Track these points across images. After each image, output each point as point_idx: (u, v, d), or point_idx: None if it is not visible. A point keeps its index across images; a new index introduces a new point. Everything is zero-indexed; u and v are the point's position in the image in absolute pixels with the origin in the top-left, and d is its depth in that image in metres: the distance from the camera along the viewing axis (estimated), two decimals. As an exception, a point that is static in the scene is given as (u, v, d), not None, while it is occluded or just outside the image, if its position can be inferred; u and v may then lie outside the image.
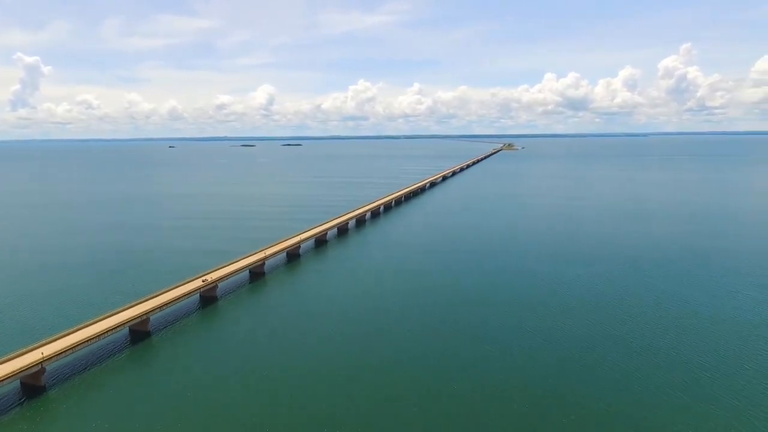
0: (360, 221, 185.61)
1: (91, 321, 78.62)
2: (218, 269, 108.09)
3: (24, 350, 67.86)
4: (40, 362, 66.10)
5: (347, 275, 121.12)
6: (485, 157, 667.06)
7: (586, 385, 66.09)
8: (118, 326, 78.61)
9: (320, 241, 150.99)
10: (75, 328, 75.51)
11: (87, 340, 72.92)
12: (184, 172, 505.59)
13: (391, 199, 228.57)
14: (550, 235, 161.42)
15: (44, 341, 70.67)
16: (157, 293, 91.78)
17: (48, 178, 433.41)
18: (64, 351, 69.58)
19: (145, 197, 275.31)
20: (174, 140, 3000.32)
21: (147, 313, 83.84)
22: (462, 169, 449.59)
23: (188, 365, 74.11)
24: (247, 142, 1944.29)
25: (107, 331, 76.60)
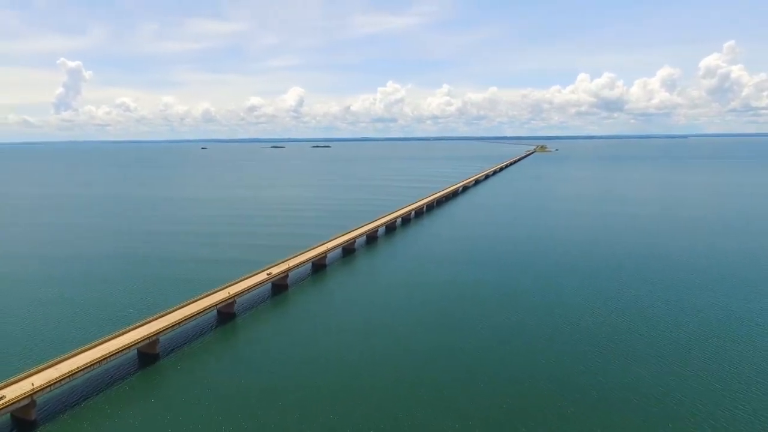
0: (390, 228, 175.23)
1: (92, 344, 70.71)
2: (238, 282, 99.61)
3: (12, 380, 60.31)
4: (30, 394, 58.29)
5: (376, 288, 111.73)
6: (519, 160, 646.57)
7: (631, 410, 60.73)
8: (124, 348, 70.59)
9: (348, 251, 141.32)
10: (72, 353, 67.64)
11: (86, 366, 64.94)
12: (211, 173, 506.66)
13: (423, 204, 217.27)
14: (589, 245, 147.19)
15: (35, 369, 62.96)
16: (170, 310, 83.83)
17: (73, 179, 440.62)
18: (59, 380, 61.72)
19: (167, 200, 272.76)
20: (207, 141, 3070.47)
21: (157, 333, 75.65)
22: (495, 172, 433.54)
23: (201, 391, 66.26)
24: (277, 144, 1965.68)
25: (111, 355, 68.55)
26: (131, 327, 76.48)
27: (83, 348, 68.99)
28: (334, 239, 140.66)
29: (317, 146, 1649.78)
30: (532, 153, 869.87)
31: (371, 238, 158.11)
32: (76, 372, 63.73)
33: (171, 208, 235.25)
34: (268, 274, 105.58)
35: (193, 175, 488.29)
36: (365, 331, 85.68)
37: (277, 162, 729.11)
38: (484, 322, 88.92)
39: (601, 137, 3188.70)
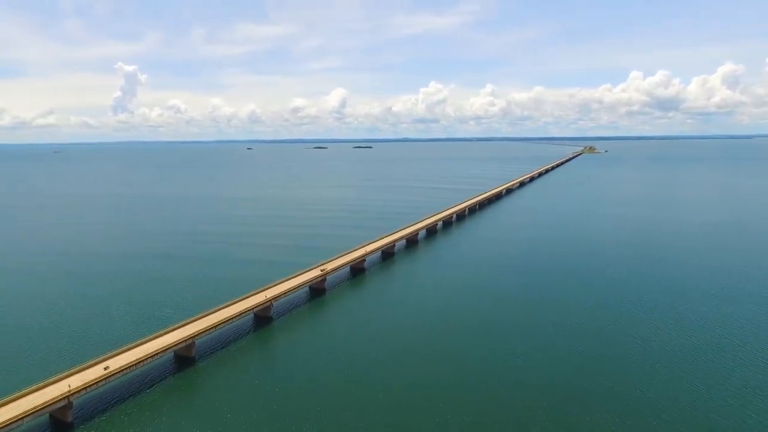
0: (431, 231, 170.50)
1: (130, 346, 70.67)
2: (275, 285, 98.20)
3: (50, 381, 60.50)
4: (67, 396, 58.22)
5: (415, 293, 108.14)
6: (566, 161, 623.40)
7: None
8: (160, 351, 70.05)
9: (387, 254, 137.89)
10: (109, 355, 67.65)
11: (123, 368, 64.69)
12: (254, 174, 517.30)
13: (465, 207, 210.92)
14: (637, 254, 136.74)
15: (73, 370, 63.15)
16: (207, 313, 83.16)
17: (124, 179, 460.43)
18: (96, 381, 61.55)
19: (209, 199, 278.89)
20: (252, 142, 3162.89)
21: (193, 336, 74.86)
22: (540, 174, 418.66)
23: (237, 396, 65.17)
24: (320, 144, 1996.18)
25: (147, 357, 68.12)
26: (168, 329, 76.10)
27: (120, 350, 69.08)
28: (374, 242, 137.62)
29: (359, 147, 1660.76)
30: (580, 154, 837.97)
31: (411, 241, 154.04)
32: (113, 374, 63.54)
33: (213, 208, 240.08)
34: (322, 270, 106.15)
35: (236, 175, 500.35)
36: (403, 337, 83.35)
37: (319, 162, 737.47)
38: (524, 329, 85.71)
39: (654, 137, 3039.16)
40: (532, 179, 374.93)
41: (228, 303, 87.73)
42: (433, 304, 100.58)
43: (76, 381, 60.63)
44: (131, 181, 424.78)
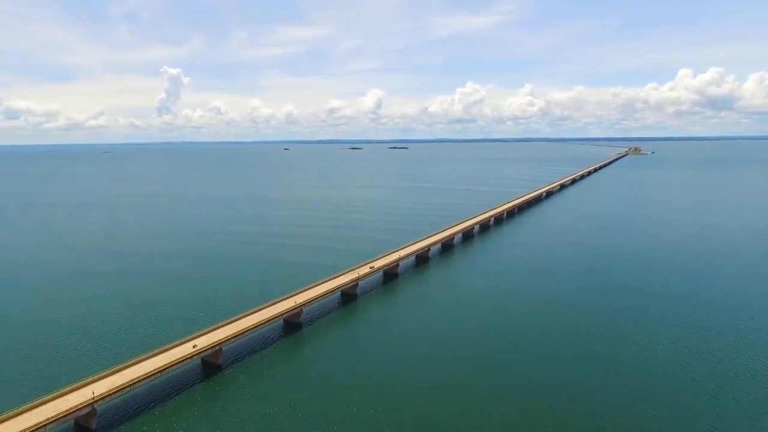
0: (467, 236, 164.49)
1: (155, 351, 69.23)
2: (305, 290, 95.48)
3: (73, 387, 59.46)
4: (91, 402, 56.92)
5: (451, 301, 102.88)
6: (609, 163, 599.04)
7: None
8: (187, 357, 68.25)
9: (422, 259, 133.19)
10: (135, 360, 66.41)
11: (149, 375, 63.19)
12: (288, 173, 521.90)
13: (503, 210, 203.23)
14: (686, 264, 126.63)
15: (97, 376, 62.08)
16: (235, 318, 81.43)
17: (161, 178, 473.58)
18: (121, 388, 60.19)
19: (243, 199, 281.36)
20: (289, 143, 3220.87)
21: (220, 342, 72.77)
22: (582, 176, 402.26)
23: (264, 404, 63.13)
24: (355, 145, 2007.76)
25: (174, 364, 66.46)
26: (195, 335, 74.36)
27: (146, 355, 67.86)
28: (408, 246, 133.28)
29: (394, 147, 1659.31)
30: (624, 155, 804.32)
31: (447, 246, 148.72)
32: (138, 380, 62.11)
33: (246, 208, 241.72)
34: (371, 267, 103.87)
35: (271, 174, 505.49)
36: (437, 348, 79.92)
37: (354, 163, 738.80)
38: (563, 338, 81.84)
39: (705, 138, 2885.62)
40: (573, 181, 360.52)
41: (257, 308, 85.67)
42: (468, 312, 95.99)
43: (101, 387, 59.32)
44: (171, 180, 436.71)
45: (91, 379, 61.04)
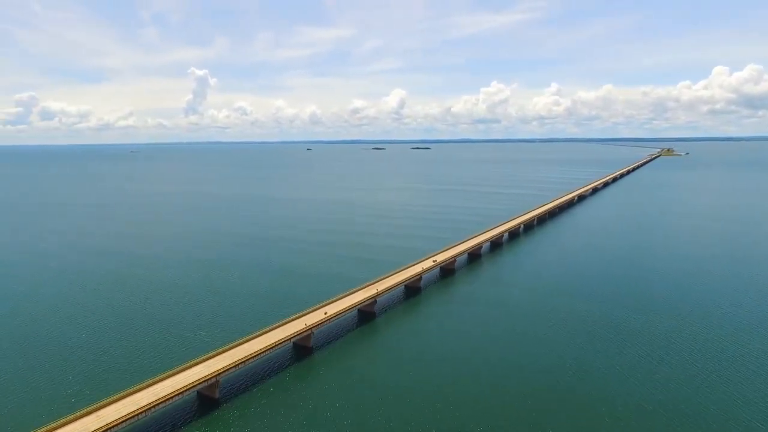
0: (496, 244, 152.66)
1: (257, 333, 75.32)
2: (319, 308, 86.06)
3: (200, 359, 66.59)
4: (216, 375, 62.43)
5: (478, 319, 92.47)
6: (643, 164, 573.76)
7: None
8: (285, 340, 59.39)
9: (447, 271, 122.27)
10: (244, 339, 72.97)
11: (256, 354, 69.45)
12: (309, 175, 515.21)
13: (533, 216, 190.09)
14: (738, 277, 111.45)
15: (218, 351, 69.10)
16: (319, 306, 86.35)
17: (185, 178, 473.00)
18: (237, 364, 66.41)
19: (263, 200, 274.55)
20: (312, 143, 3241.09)
21: (311, 327, 63.66)
22: (615, 179, 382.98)
23: (349, 382, 61.52)
24: (378, 145, 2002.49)
25: (273, 345, 73.81)
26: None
27: (252, 335, 73.85)
28: (431, 257, 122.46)
29: (417, 148, 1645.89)
30: (657, 157, 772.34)
31: (474, 255, 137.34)
32: (249, 358, 67.92)
33: (263, 210, 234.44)
34: (356, 300, 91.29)
35: (294, 175, 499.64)
36: (463, 370, 72.50)
37: (376, 163, 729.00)
38: (598, 357, 70.03)
39: (741, 138, 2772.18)
40: (605, 184, 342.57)
41: (337, 297, 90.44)
42: (497, 330, 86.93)
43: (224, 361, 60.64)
44: (193, 179, 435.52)
45: (215, 352, 68.33)
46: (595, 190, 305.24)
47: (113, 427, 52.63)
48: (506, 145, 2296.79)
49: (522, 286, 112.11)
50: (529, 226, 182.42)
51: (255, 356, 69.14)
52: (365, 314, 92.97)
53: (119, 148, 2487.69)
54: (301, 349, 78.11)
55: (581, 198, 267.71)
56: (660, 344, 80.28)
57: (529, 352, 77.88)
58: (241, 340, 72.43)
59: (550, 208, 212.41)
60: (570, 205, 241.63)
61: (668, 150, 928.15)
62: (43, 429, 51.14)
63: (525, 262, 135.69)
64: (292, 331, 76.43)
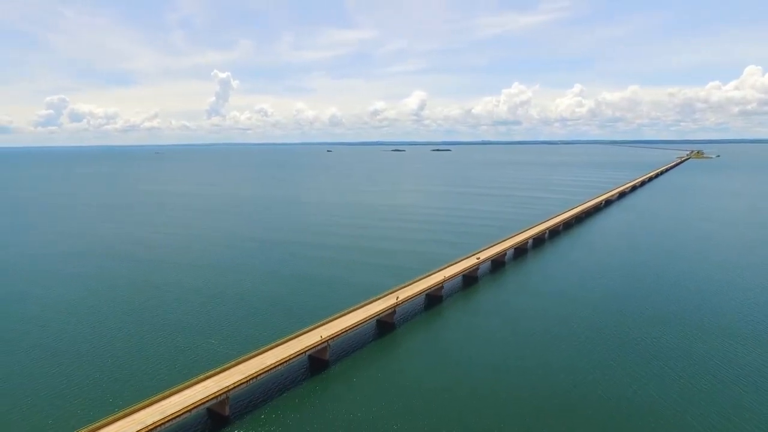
0: (520, 251, 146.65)
1: (270, 346, 72.15)
2: (335, 319, 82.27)
3: (209, 374, 63.53)
4: (225, 391, 59.49)
5: (501, 330, 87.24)
6: (672, 167, 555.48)
7: None
8: (300, 353, 56.18)
9: (470, 279, 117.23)
10: (255, 353, 69.29)
11: (269, 368, 65.94)
12: (329, 176, 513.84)
13: (558, 222, 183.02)
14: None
15: (227, 365, 66.11)
16: (336, 316, 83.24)
17: (201, 179, 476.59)
18: (247, 379, 63.04)
19: (281, 202, 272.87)
20: (333, 144, 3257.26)
21: (327, 339, 60.34)
22: (644, 182, 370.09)
23: (367, 396, 58.02)
24: (398, 147, 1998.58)
25: (288, 359, 70.60)
26: (302, 331, 76.24)
27: (264, 348, 70.48)
28: (453, 264, 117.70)
29: (437, 149, 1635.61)
30: (687, 159, 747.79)
31: (497, 263, 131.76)
32: (261, 372, 64.42)
33: (280, 213, 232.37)
34: (374, 310, 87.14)
35: (313, 176, 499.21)
36: (488, 384, 67.65)
37: (395, 165, 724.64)
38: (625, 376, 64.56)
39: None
40: (634, 188, 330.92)
41: (354, 307, 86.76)
42: (523, 343, 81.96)
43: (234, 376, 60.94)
44: (212, 181, 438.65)
45: (223, 367, 65.02)
46: (622, 195, 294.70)
47: (259, 374, 59.56)
48: (527, 147, 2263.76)
49: (548, 296, 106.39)
50: (555, 232, 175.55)
51: (268, 370, 65.60)
52: (384, 325, 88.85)
53: (144, 149, 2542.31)
54: (316, 362, 74.38)
55: (608, 202, 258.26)
56: (700, 364, 74.03)
57: (559, 368, 72.72)
58: (253, 353, 68.96)
59: (577, 213, 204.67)
60: (597, 210, 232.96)
61: (698, 152, 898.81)
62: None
63: (551, 271, 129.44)
64: (307, 344, 72.69)
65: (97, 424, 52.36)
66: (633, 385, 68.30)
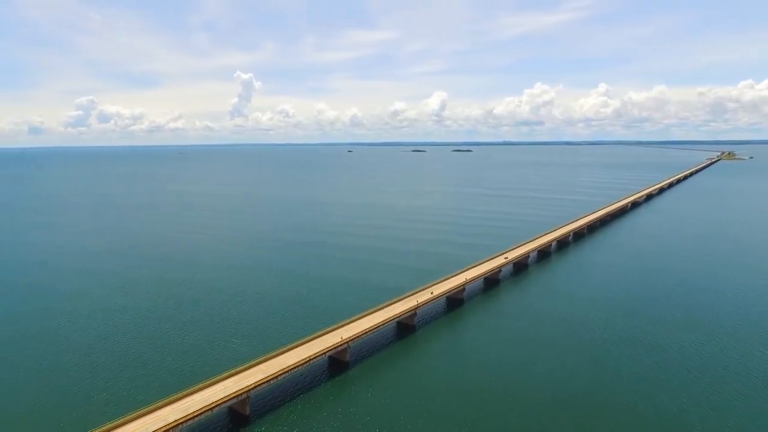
0: (543, 253, 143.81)
1: (291, 346, 71.97)
2: (355, 320, 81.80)
3: (230, 373, 63.54)
4: (246, 391, 59.59)
5: (524, 333, 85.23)
6: (701, 168, 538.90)
7: None
8: (320, 354, 56.35)
9: (491, 281, 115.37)
10: (276, 353, 69.21)
11: (290, 368, 65.73)
12: (350, 176, 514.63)
13: (583, 224, 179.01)
14: None
15: (247, 365, 66.26)
16: (356, 318, 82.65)
17: (220, 179, 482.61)
18: (268, 379, 62.86)
19: (301, 203, 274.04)
20: (353, 145, 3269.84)
21: (347, 341, 60.32)
22: (671, 184, 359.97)
23: (387, 398, 49.25)
24: (418, 147, 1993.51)
25: (309, 359, 69.65)
26: (322, 332, 76.18)
27: (285, 348, 70.44)
28: (475, 266, 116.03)
29: (458, 150, 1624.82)
30: (717, 161, 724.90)
31: (520, 266, 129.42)
32: (282, 372, 64.28)
33: (302, 213, 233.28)
34: (395, 312, 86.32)
35: (334, 176, 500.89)
36: (511, 388, 64.46)
37: (416, 165, 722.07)
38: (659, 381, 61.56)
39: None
40: (661, 190, 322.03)
41: (374, 309, 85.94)
42: (546, 348, 79.92)
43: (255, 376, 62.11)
44: (233, 181, 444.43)
45: (245, 365, 65.26)
46: (650, 197, 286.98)
47: (279, 375, 59.61)
48: (550, 147, 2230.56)
49: (573, 300, 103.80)
50: (579, 235, 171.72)
51: (288, 370, 65.46)
52: (405, 327, 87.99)
53: (168, 149, 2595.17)
54: (336, 363, 73.99)
55: (635, 205, 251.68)
56: (734, 372, 70.93)
57: (584, 376, 70.66)
58: (274, 353, 68.96)
59: (602, 215, 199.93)
60: (623, 212, 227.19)
61: (729, 153, 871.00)
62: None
63: (576, 274, 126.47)
64: (327, 345, 72.35)
65: (121, 420, 52.94)
66: (661, 392, 66.08)
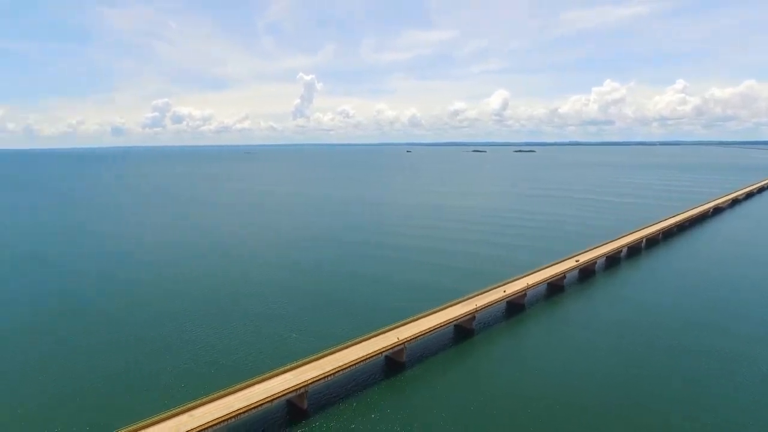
0: (612, 260, 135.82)
1: (347, 344, 72.61)
2: (411, 321, 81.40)
3: (288, 367, 65.42)
4: (304, 385, 60.99)
5: (590, 342, 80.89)
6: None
7: None
8: (376, 353, 58.25)
9: (555, 287, 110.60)
10: (333, 350, 70.52)
11: (347, 365, 66.67)
12: (404, 176, 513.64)
13: (657, 230, 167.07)
14: None
15: (304, 360, 67.53)
16: (413, 319, 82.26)
17: (278, 179, 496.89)
18: (325, 375, 64.10)
19: (359, 203, 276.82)
20: (412, 145, 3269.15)
21: (404, 341, 61.67)
22: (762, 189, 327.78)
23: (442, 402, 53.00)
24: (478, 148, 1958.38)
25: (366, 357, 71.09)
26: (379, 331, 76.67)
27: (342, 346, 71.42)
28: (538, 271, 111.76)
29: (520, 150, 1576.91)
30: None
31: (586, 272, 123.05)
32: (339, 369, 65.23)
33: (358, 213, 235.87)
34: (449, 317, 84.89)
35: (392, 176, 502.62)
36: (573, 396, 62.51)
37: (476, 166, 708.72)
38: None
39: None
40: (749, 195, 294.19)
41: (432, 311, 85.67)
42: (611, 359, 75.77)
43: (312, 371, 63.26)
44: (296, 180, 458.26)
45: (302, 361, 66.66)
46: (735, 202, 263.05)
47: (207, 428, 52.70)
48: (620, 148, 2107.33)
49: (643, 309, 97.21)
50: (653, 241, 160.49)
51: (345, 368, 66.23)
52: (463, 330, 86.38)
53: (235, 149, 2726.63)
54: (393, 363, 73.96)
55: (718, 210, 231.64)
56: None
57: (652, 388, 65.99)
58: (331, 350, 70.09)
59: (680, 221, 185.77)
60: (704, 218, 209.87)
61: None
62: (139, 423, 52.52)
63: (648, 282, 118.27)
64: (384, 345, 72.52)
65: (189, 405, 56.00)
66: (734, 410, 60.19)
